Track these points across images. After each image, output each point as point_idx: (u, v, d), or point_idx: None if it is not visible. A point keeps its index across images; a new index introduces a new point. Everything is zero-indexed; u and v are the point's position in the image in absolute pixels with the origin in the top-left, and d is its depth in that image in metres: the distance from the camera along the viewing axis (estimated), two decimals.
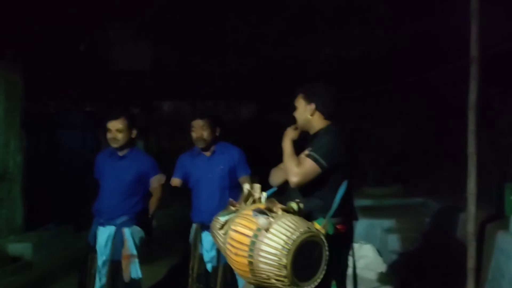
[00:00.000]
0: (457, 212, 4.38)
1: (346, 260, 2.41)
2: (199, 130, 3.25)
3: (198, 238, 3.22)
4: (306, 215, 2.15)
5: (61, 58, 6.14)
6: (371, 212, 5.31)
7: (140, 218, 3.29)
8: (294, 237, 1.95)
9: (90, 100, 8.08)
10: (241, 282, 3.04)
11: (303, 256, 1.96)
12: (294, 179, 2.23)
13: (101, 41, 6.20)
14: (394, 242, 4.92)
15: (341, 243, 2.29)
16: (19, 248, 5.00)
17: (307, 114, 2.42)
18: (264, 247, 1.95)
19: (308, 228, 2.02)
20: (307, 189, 2.28)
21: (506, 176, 3.99)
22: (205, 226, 3.10)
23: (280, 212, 2.05)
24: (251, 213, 2.07)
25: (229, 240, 2.10)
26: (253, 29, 6.11)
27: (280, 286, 1.97)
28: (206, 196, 3.23)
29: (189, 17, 5.53)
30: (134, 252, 3.20)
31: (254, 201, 2.25)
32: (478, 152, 3.21)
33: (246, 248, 2.00)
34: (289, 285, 1.96)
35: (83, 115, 8.00)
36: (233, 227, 2.11)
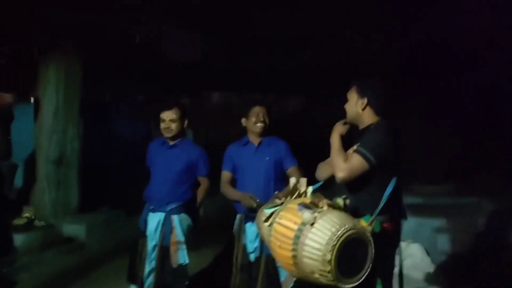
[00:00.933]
0: None
1: (392, 259, 2.36)
2: (262, 116, 3.26)
3: (242, 229, 3.24)
4: (353, 211, 2.11)
5: (116, 48, 6.36)
6: (420, 210, 5.15)
7: (188, 206, 3.36)
8: (340, 233, 1.92)
9: (142, 90, 8.32)
10: (283, 274, 3.05)
11: (348, 253, 1.93)
12: (341, 174, 2.19)
13: (153, 32, 6.36)
14: (443, 243, 4.77)
15: (388, 241, 2.24)
16: (74, 229, 5.27)
17: (359, 108, 2.37)
18: (308, 242, 1.94)
19: (354, 225, 1.99)
20: (354, 185, 2.22)
21: None
22: (249, 217, 3.12)
23: (325, 207, 2.02)
24: (296, 206, 2.06)
25: (273, 233, 2.11)
26: (302, 21, 6.05)
27: (324, 281, 1.95)
28: (251, 187, 3.22)
29: (239, 9, 5.56)
30: (182, 238, 3.28)
31: (299, 195, 2.23)
32: None
33: (290, 242, 1.99)
34: (332, 281, 1.93)
35: (135, 104, 8.27)
36: (278, 220, 2.11)
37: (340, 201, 2.08)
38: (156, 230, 3.29)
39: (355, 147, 2.25)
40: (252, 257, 3.19)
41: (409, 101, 6.33)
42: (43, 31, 5.21)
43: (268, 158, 3.26)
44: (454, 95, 6.48)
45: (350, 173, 2.18)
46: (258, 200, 3.04)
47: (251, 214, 3.04)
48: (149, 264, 3.30)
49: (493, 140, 5.91)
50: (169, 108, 3.33)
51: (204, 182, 3.48)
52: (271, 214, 2.18)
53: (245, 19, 6.00)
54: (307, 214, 1.97)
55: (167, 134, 3.35)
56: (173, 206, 3.29)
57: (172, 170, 3.34)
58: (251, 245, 3.18)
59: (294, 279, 2.78)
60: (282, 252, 2.05)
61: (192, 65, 7.52)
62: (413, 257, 4.50)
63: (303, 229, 1.96)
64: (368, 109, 2.37)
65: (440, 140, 6.60)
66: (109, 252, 5.21)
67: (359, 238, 1.98)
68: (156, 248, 3.29)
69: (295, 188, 2.24)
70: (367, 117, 2.37)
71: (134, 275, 3.36)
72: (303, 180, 2.24)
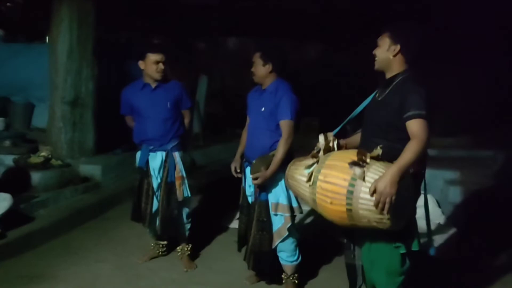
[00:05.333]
0: None
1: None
2: (255, 62, 3.08)
3: (243, 171, 3.24)
4: (387, 159, 2.18)
5: None
6: (434, 162, 5.08)
7: (183, 142, 3.50)
8: None
9: (157, 33, 8.18)
10: (276, 224, 3.03)
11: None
12: (424, 144, 2.16)
13: None
14: (455, 194, 4.74)
15: (416, 183, 2.35)
16: (90, 169, 5.37)
17: (390, 54, 2.33)
18: (363, 195, 2.07)
19: None
20: (390, 134, 2.27)
21: None
22: (248, 161, 3.11)
23: (369, 160, 2.13)
24: (338, 163, 2.17)
25: (320, 191, 2.19)
26: None
27: (380, 227, 2.10)
28: (251, 132, 3.18)
29: None
30: (184, 173, 3.45)
31: (329, 150, 2.33)
32: None
33: (343, 198, 2.10)
34: (389, 226, 2.08)
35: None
36: (322, 178, 2.19)
37: (378, 151, 2.15)
38: (160, 168, 3.40)
39: (410, 113, 2.17)
40: (249, 199, 3.20)
41: (429, 48, 6.08)
42: None
43: (265, 106, 3.05)
44: (480, 45, 6.20)
45: (427, 137, 2.15)
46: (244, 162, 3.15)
47: (249, 159, 3.12)
48: (157, 200, 3.44)
49: None
50: (161, 50, 3.31)
51: (187, 115, 3.58)
52: (311, 173, 2.26)
53: None
54: (358, 170, 2.09)
55: (159, 77, 3.33)
56: (173, 143, 3.41)
57: (164, 109, 3.37)
58: (249, 189, 3.18)
59: (287, 232, 2.95)
60: (334, 208, 2.16)
61: (209, 7, 7.34)
62: (424, 208, 4.49)
63: (356, 184, 2.08)
64: (399, 56, 2.32)
65: (460, 93, 6.40)
66: (123, 192, 5.32)
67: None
68: (161, 185, 3.41)
69: (327, 145, 2.32)
70: (397, 65, 2.34)
71: (139, 214, 3.52)
72: (330, 134, 2.31)
